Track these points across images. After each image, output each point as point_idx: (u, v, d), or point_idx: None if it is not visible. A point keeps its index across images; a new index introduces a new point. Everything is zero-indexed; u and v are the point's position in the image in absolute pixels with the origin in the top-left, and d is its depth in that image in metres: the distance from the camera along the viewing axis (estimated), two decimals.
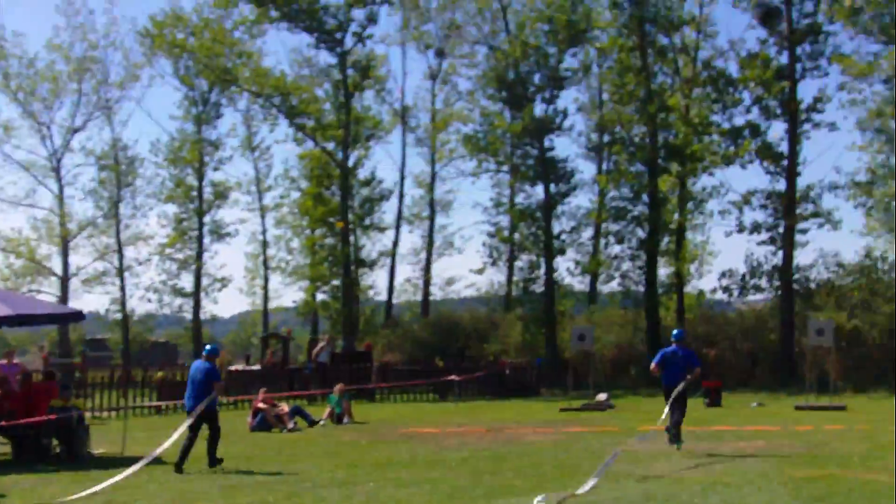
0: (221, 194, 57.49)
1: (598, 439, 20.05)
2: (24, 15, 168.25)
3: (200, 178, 56.25)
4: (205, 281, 57.05)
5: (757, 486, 13.03)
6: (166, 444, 16.16)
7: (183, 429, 16.31)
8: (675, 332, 19.64)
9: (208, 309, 58.54)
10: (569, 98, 55.72)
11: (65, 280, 55.40)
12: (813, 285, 39.46)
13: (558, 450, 17.84)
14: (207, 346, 17.69)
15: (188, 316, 58.47)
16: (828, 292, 38.98)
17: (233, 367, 40.53)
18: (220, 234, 57.86)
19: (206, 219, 56.91)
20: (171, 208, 56.67)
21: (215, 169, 57.19)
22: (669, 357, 18.24)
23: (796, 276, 38.64)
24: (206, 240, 57.00)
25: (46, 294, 53.44)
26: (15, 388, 19.17)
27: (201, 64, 48.41)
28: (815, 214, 38.61)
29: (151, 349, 59.07)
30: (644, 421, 23.00)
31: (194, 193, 56.17)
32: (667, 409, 17.86)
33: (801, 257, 39.73)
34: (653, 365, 18.49)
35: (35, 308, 22.84)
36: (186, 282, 57.11)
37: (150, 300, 57.62)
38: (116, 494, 13.29)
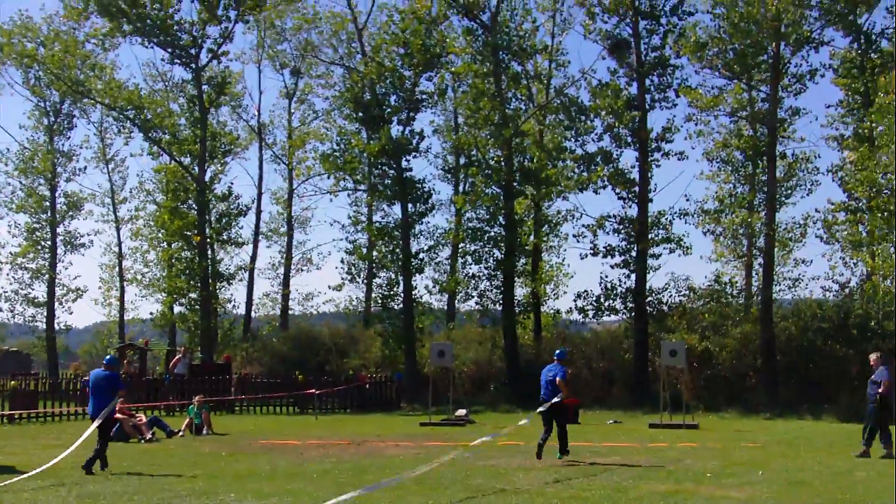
0: (75, 205, 56.83)
1: (457, 452, 20.14)
2: None
3: (53, 188, 55.40)
4: (59, 291, 56.26)
5: (614, 501, 13.37)
6: (71, 449, 17.06)
7: (87, 434, 17.22)
8: (557, 351, 20.81)
9: (62, 319, 57.61)
10: (425, 120, 56.16)
11: None
12: (665, 308, 39.87)
13: (419, 462, 17.99)
14: (107, 357, 19.13)
15: (42, 325, 57.42)
16: (680, 315, 39.49)
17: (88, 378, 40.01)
18: (74, 244, 57.21)
19: (60, 229, 56.17)
20: (23, 217, 55.68)
21: (68, 180, 56.56)
22: (546, 373, 19.39)
23: (649, 299, 39.11)
24: (60, 250, 56.22)
25: None
26: None
27: (52, 75, 47.57)
28: (667, 240, 39.07)
29: (3, 358, 57.68)
30: (503, 436, 23.29)
31: (47, 204, 55.28)
32: (529, 418, 19.22)
33: (654, 280, 40.63)
34: (557, 380, 19.17)
35: None
36: (40, 291, 56.28)
37: (1, 309, 57.14)
38: None
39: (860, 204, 39.23)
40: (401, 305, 41.96)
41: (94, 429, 17.37)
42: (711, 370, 36.37)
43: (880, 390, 19.53)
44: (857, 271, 40.26)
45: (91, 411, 17.63)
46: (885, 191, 37.52)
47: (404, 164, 41.38)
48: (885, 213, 37.31)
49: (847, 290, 39.71)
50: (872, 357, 20.55)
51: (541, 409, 19.67)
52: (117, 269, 59.29)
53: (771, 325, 36.15)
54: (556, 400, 19.28)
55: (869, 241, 39.14)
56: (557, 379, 19.21)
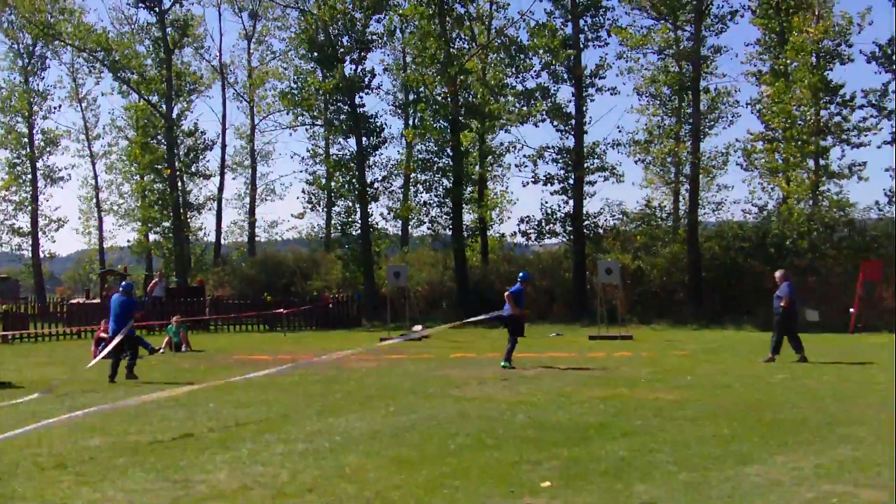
0: (52, 141, 56.84)
1: (414, 365, 20.54)
2: None
3: (30, 126, 55.37)
4: (41, 221, 56.54)
5: (558, 405, 13.53)
6: (97, 359, 18.64)
7: (109, 349, 18.22)
8: (521, 274, 21.31)
9: (46, 247, 58.19)
10: (376, 59, 56.21)
11: None
12: (601, 231, 39.92)
13: (381, 374, 18.20)
14: (123, 283, 21.00)
15: (28, 254, 57.96)
16: (614, 237, 39.70)
17: (74, 301, 40.25)
18: (53, 178, 57.41)
19: (39, 164, 56.31)
20: (4, 153, 56.00)
21: (44, 118, 56.62)
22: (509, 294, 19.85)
23: (586, 223, 39.12)
24: (41, 183, 56.46)
25: None
26: None
27: (24, 19, 47.52)
28: (601, 168, 39.15)
29: None
30: (455, 349, 23.60)
31: (25, 140, 55.32)
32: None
33: (590, 206, 40.40)
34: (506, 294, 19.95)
35: None
36: (24, 222, 56.52)
37: None
38: None
39: (776, 134, 39.57)
40: (358, 231, 42.06)
41: (113, 347, 18.30)
42: (643, 286, 36.74)
43: (783, 304, 20.02)
44: (773, 195, 40.81)
45: (112, 330, 18.72)
46: (799, 122, 37.99)
47: (357, 100, 41.32)
48: (799, 142, 37.83)
49: (765, 213, 40.12)
50: (777, 274, 21.01)
51: (483, 315, 21.92)
52: (94, 200, 59.38)
53: (697, 245, 36.56)
54: (501, 314, 20.10)
55: (784, 168, 39.52)
56: (511, 294, 19.73)
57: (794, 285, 20.56)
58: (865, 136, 38.31)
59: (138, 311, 19.92)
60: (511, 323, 20.10)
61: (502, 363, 19.45)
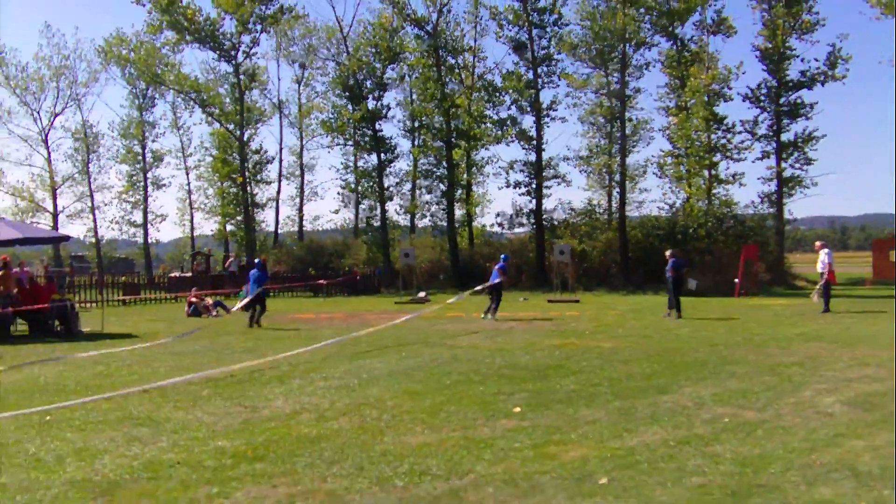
0: (158, 158, 57.09)
1: (420, 321, 20.44)
2: (16, 34, 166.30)
3: (143, 147, 55.99)
4: (150, 216, 57.51)
5: (525, 351, 13.49)
6: (235, 308, 21.76)
7: (243, 304, 20.73)
8: (503, 255, 22.45)
9: (153, 235, 59.11)
10: (391, 97, 55.76)
11: (55, 215, 55.32)
12: (555, 222, 39.93)
13: (396, 328, 18.19)
14: (257, 260, 22.33)
15: (140, 240, 58.77)
16: (565, 226, 39.54)
17: (173, 274, 40.26)
18: (158, 185, 57.79)
19: (149, 175, 56.76)
20: (124, 167, 57.09)
21: (153, 141, 57.10)
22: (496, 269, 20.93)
23: (545, 216, 39.10)
24: (150, 189, 57.03)
25: (43, 224, 53.18)
26: (27, 286, 19.20)
27: (140, 70, 48.25)
28: (556, 176, 39.10)
29: (116, 263, 59.04)
30: (450, 309, 23.53)
31: (139, 157, 56.06)
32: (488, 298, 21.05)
33: (548, 204, 40.68)
34: (497, 269, 20.91)
35: (36, 233, 24.32)
36: (137, 217, 57.52)
37: (113, 229, 58.47)
38: (104, 352, 13.11)
39: (681, 151, 39.50)
40: (378, 223, 42.07)
41: (248, 301, 20.08)
42: (587, 263, 36.59)
43: (671, 274, 20.61)
44: (679, 196, 40.61)
45: (250, 291, 20.19)
46: (697, 143, 37.99)
47: (377, 127, 41.25)
48: (697, 158, 37.89)
49: (674, 209, 40.02)
50: (666, 254, 21.59)
51: (477, 287, 22.36)
52: (188, 200, 59.05)
53: (625, 233, 36.41)
54: (491, 283, 20.91)
55: (687, 176, 39.57)
56: (498, 268, 20.72)
57: (678, 261, 21.03)
58: (743, 153, 38.43)
59: (266, 280, 20.82)
60: (496, 290, 20.64)
61: (486, 317, 20.11)
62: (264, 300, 20.26)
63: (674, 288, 20.59)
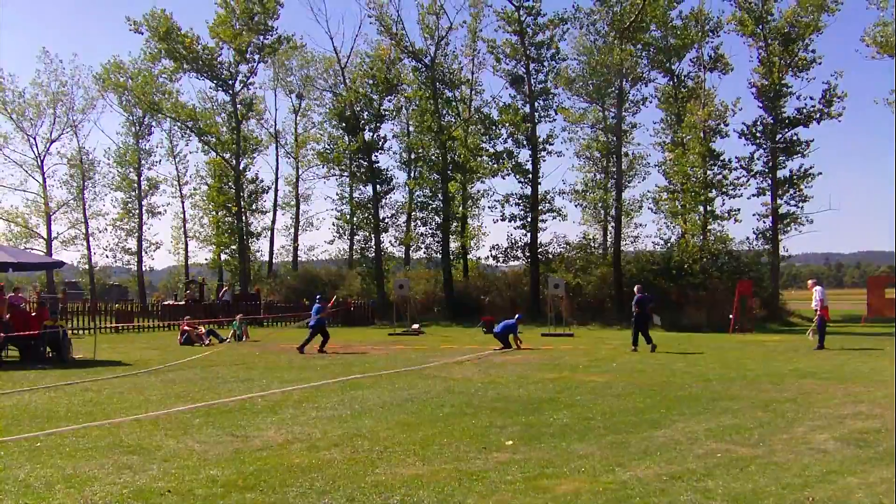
0: (154, 185, 56.80)
1: (414, 352, 20.50)
2: (14, 59, 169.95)
3: (139, 174, 55.58)
4: (144, 244, 56.95)
5: (518, 384, 13.49)
6: (306, 340, 21.15)
7: (310, 336, 21.22)
8: (517, 315, 23.16)
9: (147, 263, 58.67)
10: (387, 129, 56.09)
11: (48, 241, 55.08)
12: (550, 255, 39.77)
13: (388, 359, 18.10)
14: (318, 295, 24.17)
15: (134, 267, 58.43)
16: (560, 260, 39.36)
17: (166, 303, 40.14)
18: (153, 212, 57.36)
19: (144, 202, 56.28)
20: (119, 194, 56.60)
21: (149, 169, 56.62)
22: (503, 325, 21.89)
23: (539, 250, 39.03)
24: (145, 216, 56.55)
25: (36, 250, 52.42)
26: (23, 310, 19.46)
27: (137, 98, 48.51)
28: (551, 210, 39.15)
29: (109, 290, 58.31)
30: (444, 342, 23.50)
31: (135, 185, 55.70)
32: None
33: (543, 237, 40.62)
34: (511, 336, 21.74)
35: (30, 258, 24.03)
36: (132, 244, 57.02)
37: (107, 256, 57.93)
38: (90, 382, 13.09)
39: (677, 187, 39.74)
40: (373, 254, 42.01)
41: (310, 330, 21.17)
42: (581, 297, 36.44)
43: (635, 310, 21.22)
44: (675, 231, 40.70)
45: (311, 323, 21.38)
46: (693, 179, 38.17)
47: (373, 158, 41.30)
48: (693, 193, 38.02)
49: (669, 244, 39.97)
50: (636, 288, 22.24)
51: (491, 330, 23.81)
52: (182, 229, 58.85)
53: (619, 267, 36.44)
54: (496, 330, 22.32)
55: (682, 212, 39.64)
56: (508, 324, 21.99)
57: (642, 297, 21.49)
58: (739, 190, 38.51)
59: (323, 312, 21.73)
60: (502, 338, 21.71)
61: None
62: (325, 330, 21.43)
63: (636, 323, 21.08)
